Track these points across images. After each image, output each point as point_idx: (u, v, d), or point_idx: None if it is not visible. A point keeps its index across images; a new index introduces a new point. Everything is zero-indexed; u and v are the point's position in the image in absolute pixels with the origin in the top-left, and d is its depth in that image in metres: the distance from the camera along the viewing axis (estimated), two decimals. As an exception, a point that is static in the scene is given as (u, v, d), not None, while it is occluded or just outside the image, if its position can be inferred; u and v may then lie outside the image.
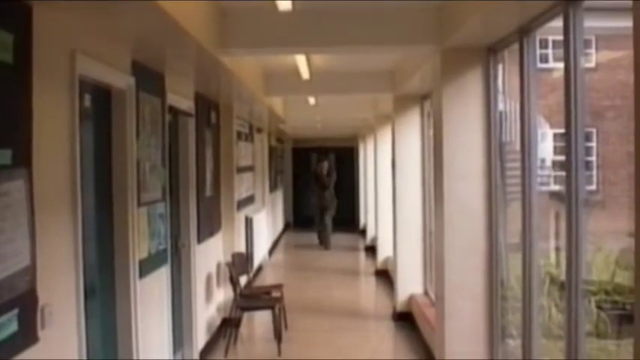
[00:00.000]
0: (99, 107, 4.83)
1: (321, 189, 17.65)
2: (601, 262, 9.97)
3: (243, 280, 9.22)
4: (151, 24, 4.30)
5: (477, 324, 5.78)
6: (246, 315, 8.77)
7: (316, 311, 10.36)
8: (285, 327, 8.75)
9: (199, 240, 7.55)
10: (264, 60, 8.75)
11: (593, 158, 16.03)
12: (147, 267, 5.44)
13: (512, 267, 5.79)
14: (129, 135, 5.06)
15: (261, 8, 5.71)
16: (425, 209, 9.29)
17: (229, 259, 8.94)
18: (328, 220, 17.58)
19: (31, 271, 3.35)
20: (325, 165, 17.82)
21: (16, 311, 3.18)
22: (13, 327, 3.15)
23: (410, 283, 9.45)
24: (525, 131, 4.99)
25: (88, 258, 4.36)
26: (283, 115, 13.42)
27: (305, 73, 8.77)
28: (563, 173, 4.19)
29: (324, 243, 17.52)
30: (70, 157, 3.97)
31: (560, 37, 4.14)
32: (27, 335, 3.31)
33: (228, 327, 8.52)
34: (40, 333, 3.44)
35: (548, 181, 10.68)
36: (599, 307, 8.60)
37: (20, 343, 3.24)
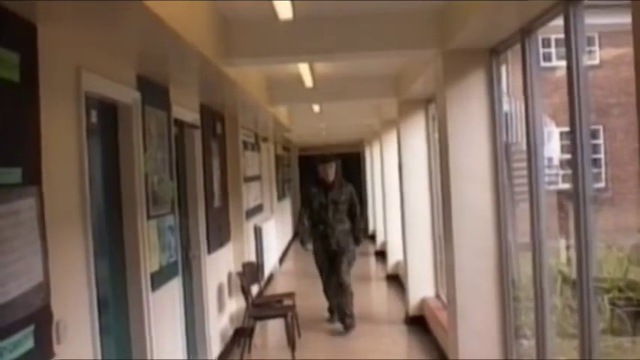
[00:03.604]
0: (106, 122, 4.86)
1: (326, 207, 9.40)
2: (613, 259, 9.95)
3: (254, 289, 9.23)
4: (155, 38, 4.33)
5: (489, 325, 5.77)
6: (258, 324, 8.78)
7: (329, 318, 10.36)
8: (299, 335, 8.76)
9: (209, 251, 7.57)
10: (268, 69, 8.77)
11: (601, 155, 16.03)
12: (159, 280, 5.46)
13: (524, 267, 5.79)
14: (136, 149, 5.09)
15: (262, 18, 5.74)
16: (433, 212, 9.29)
17: (240, 268, 8.94)
18: (344, 273, 9.39)
19: (44, 287, 3.37)
20: (331, 167, 9.51)
21: (32, 328, 3.20)
22: (30, 343, 3.18)
23: (421, 286, 9.44)
24: (531, 131, 5.00)
25: (100, 272, 4.38)
26: (288, 124, 13.45)
27: (308, 81, 8.79)
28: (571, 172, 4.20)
29: (338, 317, 9.48)
30: (79, 173, 4.00)
31: (563, 36, 4.15)
32: (43, 351, 3.33)
33: (241, 336, 8.53)
34: (56, 348, 3.46)
35: (556, 179, 10.70)
36: (612, 304, 8.58)
37: (37, 359, 3.26)
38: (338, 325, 9.38)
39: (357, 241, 9.58)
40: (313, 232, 9.54)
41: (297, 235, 19.82)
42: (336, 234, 9.39)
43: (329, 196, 9.45)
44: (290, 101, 10.56)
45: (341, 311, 9.34)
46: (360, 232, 9.64)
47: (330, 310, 9.88)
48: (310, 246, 9.57)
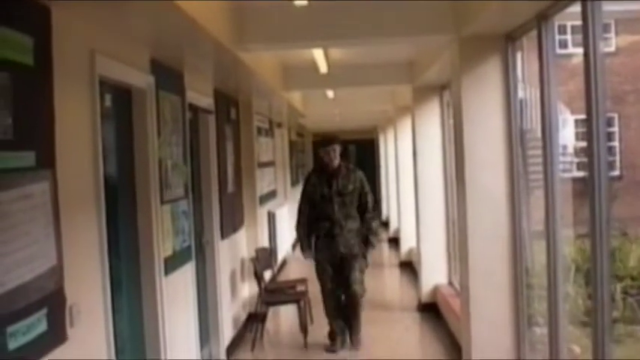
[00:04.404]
0: (120, 107, 4.87)
1: (329, 200, 7.67)
2: (627, 248, 9.93)
3: (267, 274, 9.24)
4: (169, 23, 4.33)
5: (502, 312, 5.76)
6: (271, 309, 8.80)
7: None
8: (311, 321, 8.76)
9: (223, 236, 7.58)
10: (282, 55, 8.76)
11: (616, 143, 15.94)
12: (172, 264, 5.47)
13: (538, 255, 5.77)
14: (150, 133, 5.09)
15: (277, 3, 5.72)
16: (447, 199, 9.28)
17: (253, 254, 8.97)
18: (356, 282, 7.71)
19: (58, 271, 3.38)
20: (334, 150, 7.71)
21: (45, 311, 3.21)
22: (43, 326, 3.19)
23: (434, 273, 9.44)
24: (546, 118, 4.96)
25: (114, 257, 4.40)
26: (302, 110, 13.43)
27: (323, 67, 8.77)
28: (586, 159, 4.17)
29: (348, 333, 7.95)
30: (93, 157, 4.00)
31: (579, 22, 4.11)
32: (56, 334, 3.35)
33: (254, 322, 8.56)
34: (69, 332, 3.47)
35: (570, 167, 10.65)
36: (625, 293, 8.56)
37: (50, 342, 3.28)
38: (342, 353, 7.78)
39: (367, 243, 7.78)
40: (316, 231, 7.80)
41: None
42: (345, 233, 7.62)
43: (333, 185, 7.67)
44: (304, 87, 10.55)
45: (350, 328, 7.86)
46: (372, 231, 7.80)
47: (331, 334, 7.95)
48: (312, 252, 7.83)
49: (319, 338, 8.29)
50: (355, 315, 7.82)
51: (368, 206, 7.78)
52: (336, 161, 7.72)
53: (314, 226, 7.80)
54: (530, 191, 5.73)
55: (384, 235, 16.84)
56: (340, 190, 7.68)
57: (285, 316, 9.52)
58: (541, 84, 4.99)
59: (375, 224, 7.87)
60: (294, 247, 15.72)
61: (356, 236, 7.69)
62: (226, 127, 8.11)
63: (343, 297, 7.84)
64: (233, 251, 8.41)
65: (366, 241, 7.78)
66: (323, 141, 7.90)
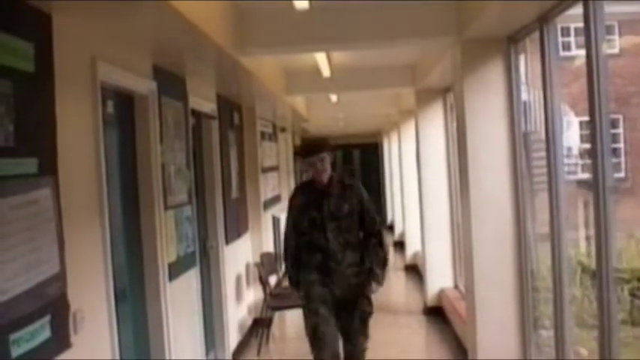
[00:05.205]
0: (122, 113, 4.87)
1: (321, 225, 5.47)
2: (633, 250, 9.89)
3: (272, 279, 9.23)
4: (171, 28, 4.32)
5: (508, 315, 5.74)
6: (277, 314, 8.79)
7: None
8: (316, 325, 8.74)
9: (227, 241, 7.57)
10: (285, 59, 8.75)
11: (621, 145, 15.89)
12: (176, 270, 5.47)
13: (544, 257, 5.75)
14: (153, 139, 5.09)
15: (278, 8, 5.72)
16: (452, 202, 9.26)
17: (258, 259, 8.95)
18: (357, 334, 5.76)
19: (61, 277, 3.38)
20: (322, 160, 5.42)
21: (48, 317, 3.21)
22: (46, 333, 3.18)
23: (439, 277, 9.42)
24: (549, 120, 4.95)
25: (118, 263, 4.39)
26: (306, 114, 13.42)
27: (326, 71, 8.76)
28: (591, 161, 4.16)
29: None
30: (96, 163, 4.00)
31: (582, 24, 4.10)
32: (60, 341, 3.34)
33: (259, 327, 8.54)
34: (73, 338, 3.47)
35: (575, 169, 10.62)
36: (632, 295, 8.53)
37: (54, 348, 3.27)
38: None
39: (377, 278, 5.55)
40: (306, 265, 5.61)
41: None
42: (343, 269, 5.51)
43: (324, 207, 5.51)
44: (307, 91, 10.54)
45: None
46: (379, 261, 5.57)
47: None
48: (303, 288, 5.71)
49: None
50: None
51: (373, 229, 5.65)
52: (326, 175, 5.53)
53: (304, 258, 5.65)
54: (534, 193, 5.71)
55: (389, 239, 16.82)
56: (334, 213, 5.53)
57: (290, 320, 9.50)
58: (544, 86, 4.98)
59: (382, 253, 5.63)
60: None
61: (358, 275, 5.56)
62: (229, 133, 8.10)
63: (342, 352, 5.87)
64: (238, 256, 8.40)
65: (373, 274, 5.57)
66: (305, 149, 5.85)
